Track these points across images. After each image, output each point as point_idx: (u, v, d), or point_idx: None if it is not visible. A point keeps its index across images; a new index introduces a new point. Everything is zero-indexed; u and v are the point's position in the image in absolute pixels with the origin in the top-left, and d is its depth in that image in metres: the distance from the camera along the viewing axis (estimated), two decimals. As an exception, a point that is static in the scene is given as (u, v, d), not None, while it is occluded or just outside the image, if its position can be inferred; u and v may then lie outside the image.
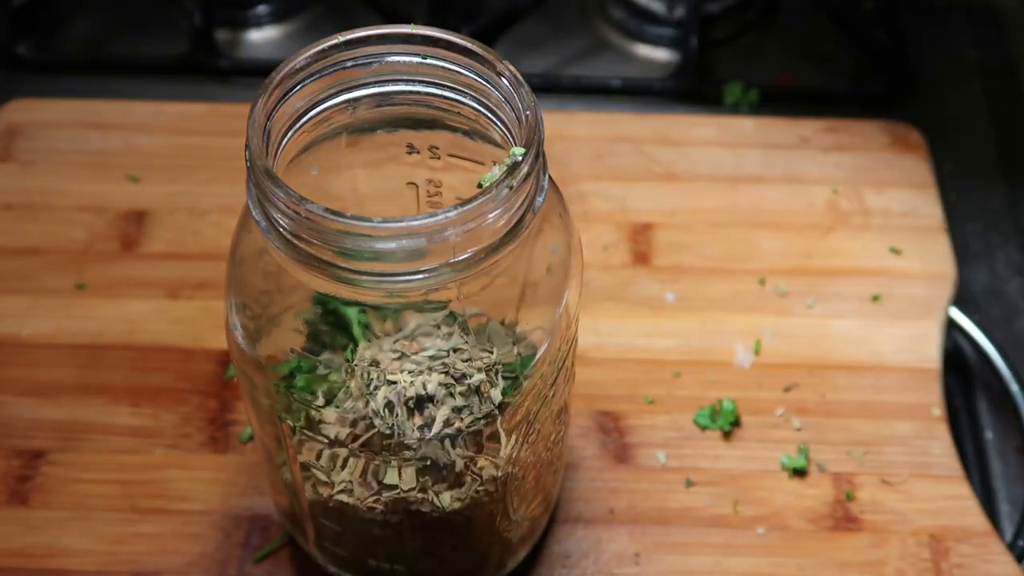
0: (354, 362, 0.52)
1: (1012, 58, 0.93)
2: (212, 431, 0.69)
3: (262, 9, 0.95)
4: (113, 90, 0.88)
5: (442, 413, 0.51)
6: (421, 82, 0.50)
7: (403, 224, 0.43)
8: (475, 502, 0.54)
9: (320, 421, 0.52)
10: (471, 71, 0.49)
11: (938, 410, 0.71)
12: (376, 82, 0.50)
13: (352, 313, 0.53)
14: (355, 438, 0.52)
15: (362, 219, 0.43)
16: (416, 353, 0.52)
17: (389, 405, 0.51)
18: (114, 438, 0.69)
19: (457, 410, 0.51)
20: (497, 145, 0.50)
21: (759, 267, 0.77)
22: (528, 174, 0.45)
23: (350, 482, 0.54)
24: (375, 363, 0.52)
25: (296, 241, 0.45)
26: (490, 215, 0.45)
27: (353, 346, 0.53)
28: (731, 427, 0.69)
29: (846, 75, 0.92)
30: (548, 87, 0.89)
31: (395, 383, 0.51)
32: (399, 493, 0.53)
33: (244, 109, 0.47)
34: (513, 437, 0.53)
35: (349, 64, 0.49)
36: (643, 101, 0.90)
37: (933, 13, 0.96)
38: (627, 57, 0.94)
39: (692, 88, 0.90)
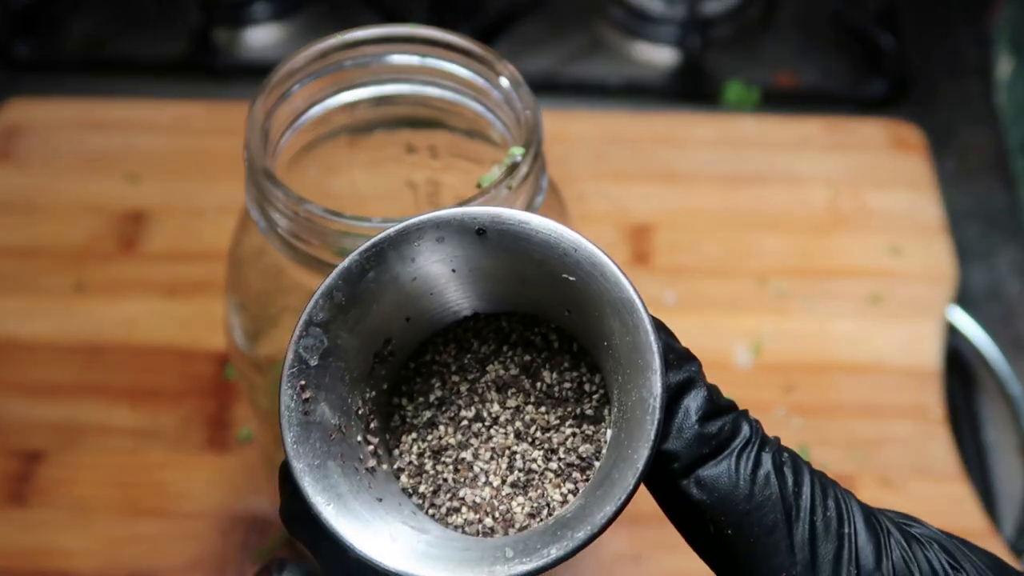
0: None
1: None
2: (211, 432, 0.69)
3: (261, 8, 0.95)
4: (113, 90, 0.88)
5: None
6: (420, 82, 0.50)
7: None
8: (474, 503, 0.54)
9: (319, 421, 0.52)
10: (470, 71, 0.49)
11: (938, 411, 0.71)
12: (375, 82, 0.50)
13: (351, 313, 0.53)
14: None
15: (361, 219, 0.43)
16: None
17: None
18: (113, 439, 0.69)
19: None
20: (496, 145, 0.50)
21: (759, 267, 0.77)
22: (527, 174, 0.45)
23: (349, 483, 0.54)
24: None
25: (295, 241, 0.45)
26: (489, 215, 0.45)
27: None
28: (731, 427, 0.69)
29: (846, 75, 0.92)
30: (548, 87, 0.89)
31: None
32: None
33: (243, 109, 0.47)
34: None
35: (348, 64, 0.49)
36: (643, 101, 0.90)
37: (933, 13, 0.96)
38: (627, 57, 0.94)
39: (692, 88, 0.89)
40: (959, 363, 0.77)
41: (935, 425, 0.70)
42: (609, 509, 0.33)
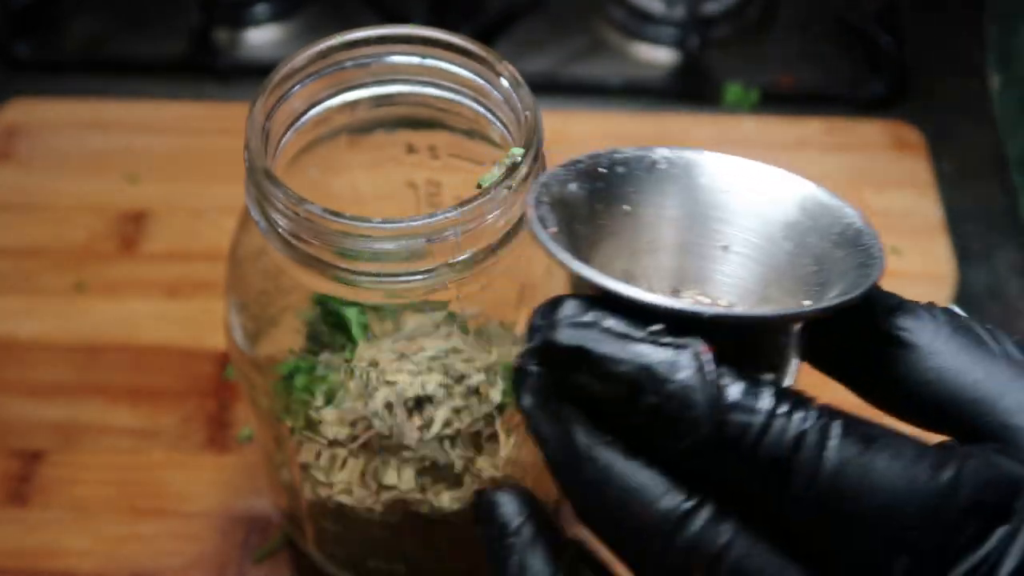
0: (353, 362, 0.52)
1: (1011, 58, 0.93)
2: (211, 431, 0.69)
3: (261, 9, 0.95)
4: (113, 90, 0.88)
5: (441, 414, 0.51)
6: (420, 83, 0.50)
7: (402, 225, 0.43)
8: (474, 503, 0.54)
9: (319, 421, 0.52)
10: (470, 71, 0.49)
11: (938, 411, 0.71)
12: (375, 83, 0.50)
13: (351, 313, 0.53)
14: (354, 438, 0.52)
15: (361, 219, 0.43)
16: (415, 353, 0.52)
17: (388, 405, 0.51)
18: (113, 438, 0.69)
19: (456, 411, 0.51)
20: (496, 145, 0.50)
21: (759, 267, 0.77)
22: (527, 174, 0.45)
23: (349, 483, 0.54)
24: (374, 363, 0.52)
25: (295, 241, 0.45)
26: (489, 216, 0.45)
27: (352, 346, 0.53)
28: (731, 427, 0.69)
29: (846, 75, 0.92)
30: (548, 87, 0.89)
31: (394, 383, 0.51)
32: (398, 494, 0.53)
33: (243, 109, 0.47)
34: (512, 438, 0.53)
35: (348, 64, 0.49)
36: (643, 101, 0.90)
37: (933, 13, 0.96)
38: (627, 57, 0.94)
39: (692, 88, 0.89)
40: (959, 363, 0.77)
41: (935, 425, 0.70)
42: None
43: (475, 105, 0.50)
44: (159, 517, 0.66)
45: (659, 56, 0.94)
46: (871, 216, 0.86)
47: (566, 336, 0.30)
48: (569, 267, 0.31)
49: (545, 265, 0.52)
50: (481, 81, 0.49)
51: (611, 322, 0.30)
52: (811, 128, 0.85)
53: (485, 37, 0.88)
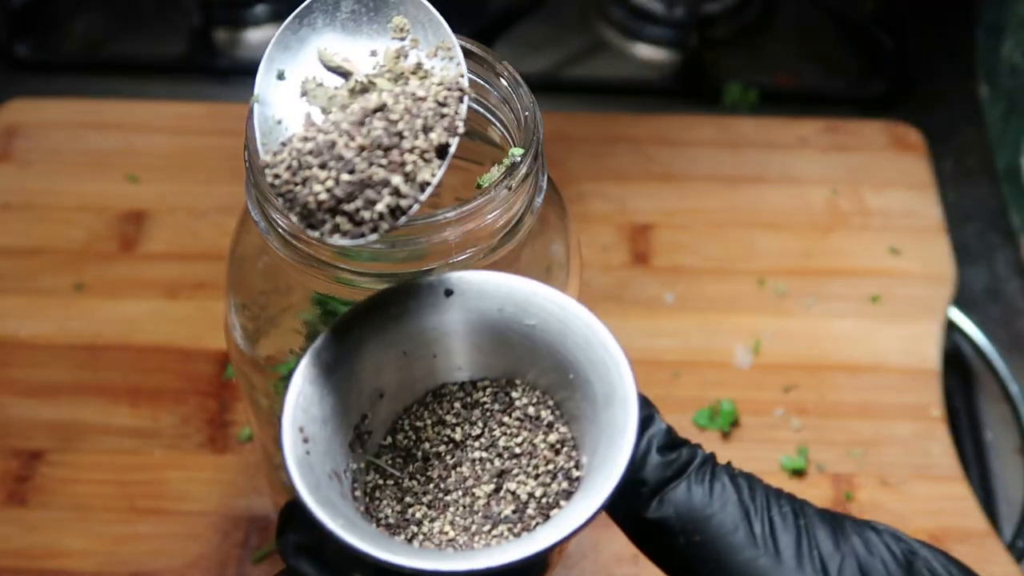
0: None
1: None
2: (211, 431, 0.69)
3: (261, 9, 0.95)
4: (113, 90, 0.88)
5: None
6: (420, 82, 0.50)
7: (402, 224, 0.43)
8: (474, 503, 0.54)
9: (319, 421, 0.52)
10: (470, 71, 0.49)
11: (937, 411, 0.71)
12: (375, 82, 0.50)
13: (351, 313, 0.53)
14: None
15: (361, 219, 0.43)
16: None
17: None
18: (113, 438, 0.69)
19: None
20: (496, 145, 0.50)
21: (758, 267, 0.77)
22: (527, 175, 0.45)
23: (349, 483, 0.54)
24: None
25: (295, 241, 0.45)
26: (489, 216, 0.45)
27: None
28: (730, 427, 0.69)
29: (846, 75, 0.92)
30: (548, 87, 0.89)
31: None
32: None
33: (243, 109, 0.47)
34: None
35: (348, 64, 0.49)
36: (643, 101, 0.90)
37: (933, 14, 0.96)
38: (627, 57, 0.94)
39: (692, 88, 0.90)
40: (959, 363, 0.77)
41: (935, 425, 0.70)
42: (598, 497, 0.35)
43: (475, 105, 0.50)
44: (159, 517, 0.66)
45: (659, 56, 0.94)
46: (870, 217, 0.86)
47: (292, 561, 0.38)
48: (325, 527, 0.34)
49: (545, 265, 0.52)
50: (481, 81, 0.49)
51: (330, 555, 0.36)
52: (811, 128, 0.85)
53: (485, 37, 0.89)
